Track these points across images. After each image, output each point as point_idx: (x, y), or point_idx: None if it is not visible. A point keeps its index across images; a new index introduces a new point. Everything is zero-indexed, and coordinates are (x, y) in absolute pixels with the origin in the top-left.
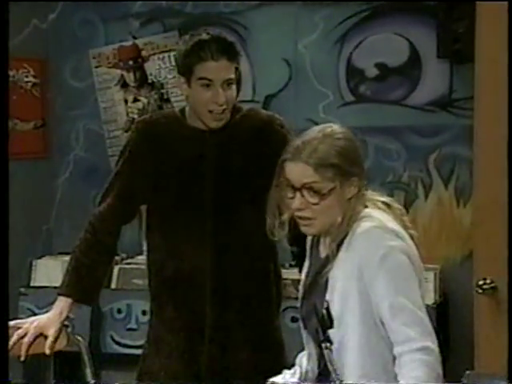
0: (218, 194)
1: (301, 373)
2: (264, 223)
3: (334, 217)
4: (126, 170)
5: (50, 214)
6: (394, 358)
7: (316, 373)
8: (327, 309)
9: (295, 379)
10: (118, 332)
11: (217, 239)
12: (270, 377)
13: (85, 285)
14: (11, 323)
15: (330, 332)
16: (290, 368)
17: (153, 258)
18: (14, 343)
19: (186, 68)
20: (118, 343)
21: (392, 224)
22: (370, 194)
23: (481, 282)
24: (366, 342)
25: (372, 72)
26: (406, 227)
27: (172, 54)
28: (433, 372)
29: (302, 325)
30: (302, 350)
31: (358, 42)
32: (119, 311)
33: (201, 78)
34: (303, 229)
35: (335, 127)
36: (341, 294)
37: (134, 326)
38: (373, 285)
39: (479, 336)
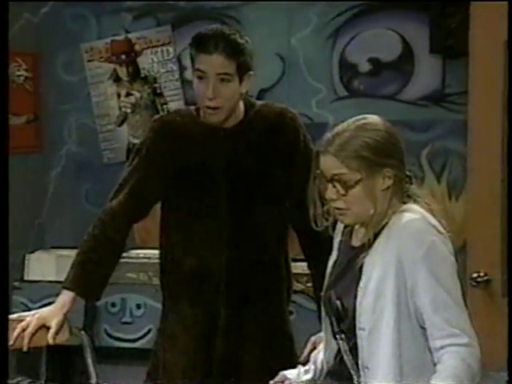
0: (233, 192)
1: (315, 370)
2: (276, 218)
3: (367, 207)
4: (141, 167)
5: (43, 208)
6: (429, 349)
7: (331, 364)
8: (340, 299)
9: (309, 376)
10: (113, 326)
11: (232, 236)
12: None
13: (90, 280)
14: (13, 316)
15: (364, 318)
16: (301, 363)
17: (169, 256)
18: (18, 335)
19: (191, 59)
20: (112, 337)
21: (433, 220)
22: (413, 188)
23: (475, 275)
24: (398, 330)
25: (365, 67)
26: (444, 227)
27: (165, 48)
28: (470, 369)
29: (323, 314)
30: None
31: (351, 37)
32: (113, 305)
33: (196, 69)
34: (339, 218)
35: (371, 119)
36: (377, 282)
37: (129, 320)
38: (415, 277)
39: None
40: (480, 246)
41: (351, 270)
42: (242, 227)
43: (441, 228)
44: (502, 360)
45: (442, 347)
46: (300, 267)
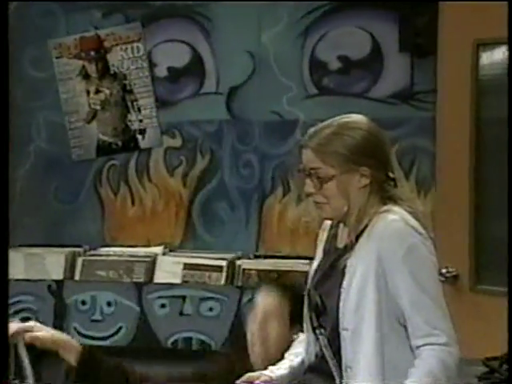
0: None
1: (292, 366)
2: None
3: (342, 203)
4: None
5: (11, 205)
6: (411, 348)
7: (312, 359)
8: (320, 296)
9: (284, 372)
10: (83, 324)
11: None
12: None
13: None
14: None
15: (347, 318)
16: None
17: None
18: None
19: None
20: (82, 335)
21: (412, 221)
22: (397, 191)
23: (443, 271)
24: (380, 330)
25: (335, 65)
26: (425, 227)
27: (135, 45)
28: (447, 367)
29: (305, 312)
30: None
31: (321, 34)
32: (83, 303)
33: None
34: (317, 212)
35: (355, 118)
36: (359, 283)
37: (99, 318)
38: (395, 278)
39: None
40: (448, 241)
41: (335, 271)
42: None
43: (421, 229)
44: (471, 353)
45: (421, 346)
46: (271, 264)
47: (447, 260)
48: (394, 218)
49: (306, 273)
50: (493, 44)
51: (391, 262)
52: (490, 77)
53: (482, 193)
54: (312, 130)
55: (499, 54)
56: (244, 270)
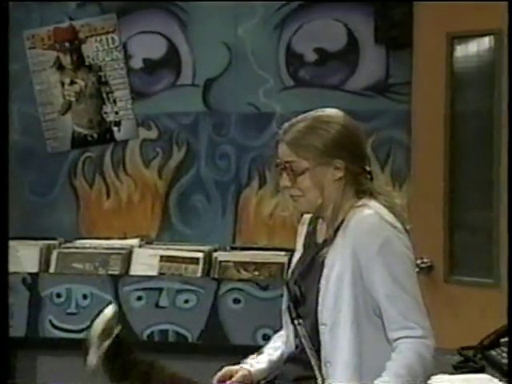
0: None
1: (270, 360)
2: None
3: (316, 196)
4: None
5: None
6: (388, 341)
7: (292, 350)
8: (299, 287)
9: (263, 366)
10: (58, 316)
11: None
12: None
13: None
14: None
15: (325, 314)
16: None
17: None
18: None
19: None
20: (57, 327)
21: (387, 215)
22: (373, 184)
23: (418, 262)
24: (357, 324)
25: (311, 57)
26: (402, 221)
27: (110, 36)
28: (423, 359)
29: (284, 306)
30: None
31: (298, 27)
32: (58, 295)
33: None
34: (294, 205)
35: (328, 111)
36: (336, 278)
37: (74, 311)
38: (370, 272)
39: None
40: (423, 233)
41: (314, 266)
42: None
43: (397, 223)
44: (446, 343)
45: (397, 339)
46: (248, 255)
47: (422, 251)
48: (369, 213)
49: (283, 264)
50: (466, 37)
51: (366, 256)
52: (465, 70)
53: (457, 185)
54: (287, 124)
55: (473, 47)
56: (221, 261)
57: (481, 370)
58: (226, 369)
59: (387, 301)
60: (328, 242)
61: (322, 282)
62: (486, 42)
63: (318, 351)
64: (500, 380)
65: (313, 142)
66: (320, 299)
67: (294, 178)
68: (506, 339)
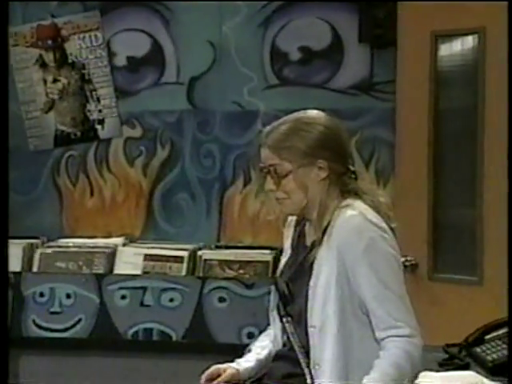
0: None
1: (259, 359)
2: None
3: (301, 198)
4: None
5: None
6: (376, 341)
7: (280, 347)
8: (288, 286)
9: (251, 364)
10: (41, 316)
11: None
12: None
13: None
14: None
15: (314, 316)
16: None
17: None
18: None
19: None
20: (40, 327)
21: (372, 215)
22: (358, 183)
23: (402, 260)
24: (344, 325)
25: (296, 55)
26: (388, 220)
27: (93, 33)
28: (411, 358)
29: (272, 305)
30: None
31: (282, 25)
32: (42, 295)
33: None
34: (279, 208)
35: (310, 113)
36: (324, 280)
37: (58, 310)
38: (356, 273)
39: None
40: (407, 231)
41: (304, 269)
42: None
43: (381, 223)
44: (431, 340)
45: (385, 338)
46: (232, 254)
47: (406, 249)
48: (353, 214)
49: (268, 263)
50: (450, 36)
51: (351, 257)
52: (448, 68)
53: (441, 183)
54: (268, 127)
55: (457, 45)
56: (205, 260)
57: (466, 367)
58: (214, 367)
59: (374, 301)
60: (316, 243)
61: (311, 284)
62: (469, 41)
63: (307, 351)
64: (485, 377)
65: (295, 144)
66: (309, 302)
67: (279, 180)
68: (490, 336)
